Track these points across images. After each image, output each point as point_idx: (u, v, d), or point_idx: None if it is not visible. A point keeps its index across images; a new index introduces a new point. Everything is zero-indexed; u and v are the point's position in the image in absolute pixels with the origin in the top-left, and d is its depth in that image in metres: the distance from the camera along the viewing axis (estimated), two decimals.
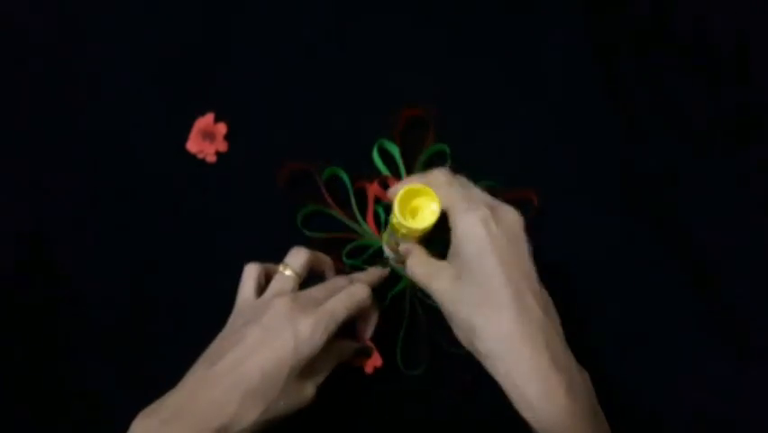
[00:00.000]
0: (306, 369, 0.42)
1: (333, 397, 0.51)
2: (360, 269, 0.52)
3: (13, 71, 0.60)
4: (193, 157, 0.56)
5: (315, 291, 0.45)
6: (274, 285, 0.45)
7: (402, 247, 0.45)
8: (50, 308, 0.54)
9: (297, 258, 0.46)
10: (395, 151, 0.54)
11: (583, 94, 0.58)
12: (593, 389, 0.39)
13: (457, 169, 0.54)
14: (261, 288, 0.46)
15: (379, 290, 0.52)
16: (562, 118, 0.57)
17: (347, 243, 0.53)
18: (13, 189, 0.57)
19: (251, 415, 0.40)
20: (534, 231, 0.52)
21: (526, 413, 0.38)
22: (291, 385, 0.41)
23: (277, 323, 0.41)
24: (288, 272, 0.45)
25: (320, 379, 0.44)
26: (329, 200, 0.53)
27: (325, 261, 0.48)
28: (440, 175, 0.43)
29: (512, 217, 0.41)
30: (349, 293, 0.44)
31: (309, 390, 0.43)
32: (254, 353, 0.40)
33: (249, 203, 0.55)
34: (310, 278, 0.47)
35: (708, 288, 0.53)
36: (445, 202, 0.41)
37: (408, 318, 0.51)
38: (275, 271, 0.46)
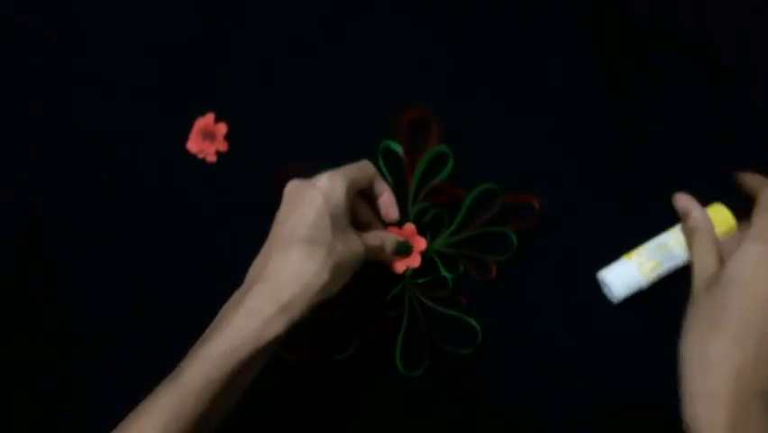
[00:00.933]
0: (347, 223, 0.45)
1: (333, 397, 0.51)
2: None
3: (13, 71, 0.61)
4: (193, 157, 0.57)
5: (328, 174, 0.47)
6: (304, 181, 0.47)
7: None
8: (50, 308, 0.54)
9: (334, 178, 0.47)
10: (399, 150, 0.55)
11: (583, 94, 0.58)
12: None
13: (458, 169, 0.54)
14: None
15: (379, 290, 0.52)
16: (562, 118, 0.57)
17: None
18: (13, 189, 0.57)
19: (312, 278, 0.42)
20: (536, 231, 0.52)
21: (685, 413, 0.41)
22: (339, 233, 0.44)
23: (298, 192, 0.45)
24: (321, 181, 0.46)
25: (367, 240, 0.47)
26: None
27: (364, 171, 0.50)
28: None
29: None
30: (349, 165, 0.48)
31: (358, 242, 0.46)
32: (292, 216, 0.44)
33: (249, 203, 0.55)
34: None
35: None
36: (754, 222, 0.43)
37: (408, 319, 0.51)
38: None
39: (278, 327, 0.40)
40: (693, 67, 0.58)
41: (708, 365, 0.40)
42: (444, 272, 0.52)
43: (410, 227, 0.52)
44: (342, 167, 0.48)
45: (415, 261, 0.52)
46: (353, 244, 0.45)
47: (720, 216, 0.51)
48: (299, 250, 0.42)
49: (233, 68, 0.59)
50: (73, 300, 0.54)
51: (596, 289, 0.53)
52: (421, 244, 0.52)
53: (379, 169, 0.54)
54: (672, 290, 0.52)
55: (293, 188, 0.46)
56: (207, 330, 0.42)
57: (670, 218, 0.53)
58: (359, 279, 0.52)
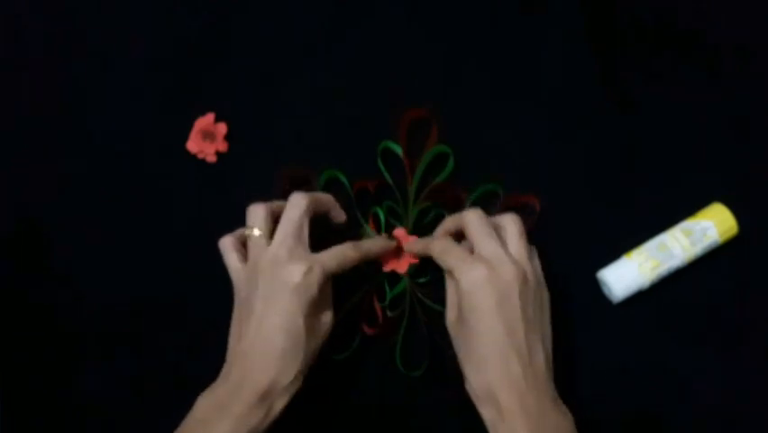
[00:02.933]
0: (320, 303, 0.45)
1: (332, 397, 0.51)
2: (361, 270, 0.52)
3: (13, 71, 0.60)
4: (193, 157, 0.56)
5: (280, 232, 0.46)
6: (251, 250, 0.47)
7: (445, 263, 0.46)
8: (49, 308, 0.54)
9: (255, 215, 0.47)
10: (398, 151, 0.55)
11: (583, 94, 0.58)
12: (572, 430, 0.42)
13: (459, 169, 0.54)
14: (244, 253, 0.48)
15: (378, 291, 0.52)
16: (562, 118, 0.57)
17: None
18: (13, 189, 0.57)
19: (292, 367, 0.43)
20: (536, 231, 0.52)
21: None
22: (312, 325, 0.44)
23: (271, 286, 0.44)
24: (255, 232, 0.47)
25: (331, 302, 0.47)
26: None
27: (321, 200, 0.49)
28: (473, 216, 0.46)
29: (508, 277, 0.43)
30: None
31: (328, 316, 0.46)
32: (266, 319, 0.43)
33: (249, 203, 0.55)
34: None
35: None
36: (454, 255, 0.45)
37: (408, 319, 0.51)
38: (245, 235, 0.48)
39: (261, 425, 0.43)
40: (693, 67, 0.58)
41: (492, 396, 0.42)
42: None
43: (400, 231, 0.53)
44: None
45: (415, 257, 0.52)
46: (324, 324, 0.46)
47: (720, 216, 0.51)
48: (275, 364, 0.43)
49: (233, 68, 0.59)
50: (73, 300, 0.54)
51: (596, 289, 0.53)
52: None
53: (378, 169, 0.54)
54: (672, 290, 0.52)
55: (267, 270, 0.44)
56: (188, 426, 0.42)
57: (670, 218, 0.53)
58: (359, 279, 0.52)
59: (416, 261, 0.52)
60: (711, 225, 0.51)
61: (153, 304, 0.54)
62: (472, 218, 0.46)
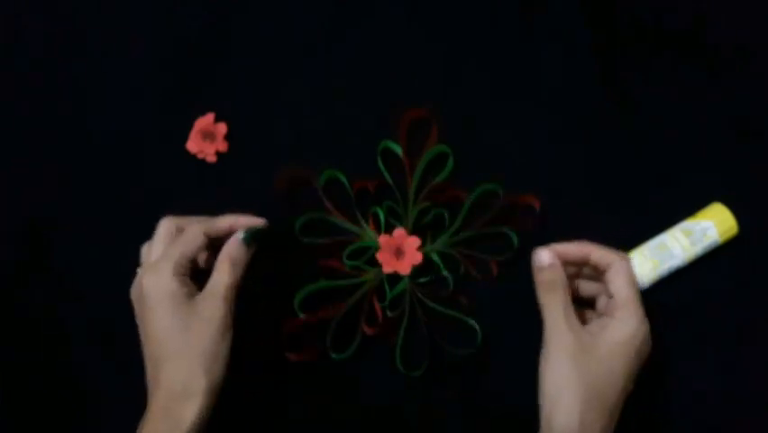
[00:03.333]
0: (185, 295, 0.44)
1: (332, 397, 0.51)
2: (361, 270, 0.52)
3: (13, 71, 0.60)
4: (193, 157, 0.56)
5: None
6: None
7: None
8: (49, 308, 0.54)
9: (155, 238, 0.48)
10: (398, 151, 0.54)
11: (583, 94, 0.58)
12: None
13: (459, 169, 0.54)
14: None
15: (378, 291, 0.52)
16: (562, 118, 0.57)
17: (348, 246, 0.53)
18: (13, 189, 0.57)
19: (182, 368, 0.43)
20: (537, 231, 0.52)
21: None
22: (187, 323, 0.43)
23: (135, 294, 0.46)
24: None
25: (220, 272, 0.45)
26: (327, 204, 0.53)
27: (187, 242, 0.46)
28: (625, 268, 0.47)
29: (647, 344, 0.45)
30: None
31: (211, 306, 0.44)
32: (143, 326, 0.45)
33: (249, 203, 0.55)
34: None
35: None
36: (626, 290, 0.46)
37: (408, 319, 0.51)
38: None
39: None
40: (693, 67, 0.58)
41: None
42: (445, 272, 0.52)
43: (400, 231, 0.52)
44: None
45: (417, 258, 0.52)
46: (206, 315, 0.44)
47: (720, 216, 0.51)
48: (163, 370, 0.43)
49: (232, 68, 0.59)
50: (73, 300, 0.54)
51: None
52: (415, 242, 0.52)
53: (378, 169, 0.54)
54: (672, 290, 0.52)
55: (171, 308, 0.44)
56: None
57: (670, 218, 0.53)
58: (358, 282, 0.52)
59: (418, 262, 0.52)
60: (711, 225, 0.51)
61: None
62: (628, 270, 0.47)
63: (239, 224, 0.48)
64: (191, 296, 0.44)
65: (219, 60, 0.59)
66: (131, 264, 0.55)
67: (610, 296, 0.46)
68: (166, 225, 0.47)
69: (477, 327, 0.51)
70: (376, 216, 0.53)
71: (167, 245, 0.46)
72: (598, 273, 0.48)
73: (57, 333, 0.54)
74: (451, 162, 0.54)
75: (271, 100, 0.58)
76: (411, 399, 0.51)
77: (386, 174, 0.54)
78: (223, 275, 0.45)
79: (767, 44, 0.59)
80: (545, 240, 0.50)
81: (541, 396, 0.44)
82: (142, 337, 0.45)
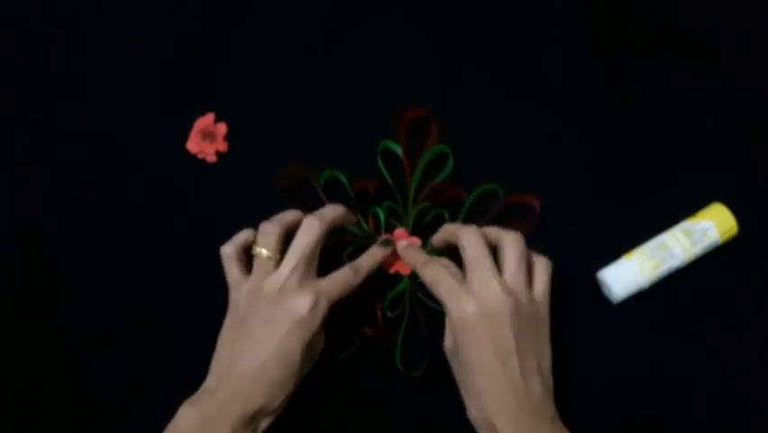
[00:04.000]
0: (318, 331, 0.45)
1: (332, 397, 0.51)
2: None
3: (14, 71, 0.60)
4: (193, 157, 0.56)
5: (291, 258, 0.45)
6: (257, 269, 0.46)
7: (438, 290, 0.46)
8: (50, 308, 0.54)
9: (267, 236, 0.46)
10: (398, 151, 0.54)
11: (583, 94, 0.58)
12: None
13: (459, 169, 0.54)
14: (246, 263, 0.47)
15: (379, 291, 0.52)
16: (562, 118, 0.57)
17: (348, 246, 0.53)
18: (14, 189, 0.57)
19: (280, 396, 0.44)
20: (536, 231, 0.52)
21: None
22: (307, 353, 0.45)
23: (275, 313, 0.44)
24: (264, 253, 0.46)
25: (323, 325, 0.46)
26: (327, 204, 0.53)
27: (335, 222, 0.48)
28: (470, 240, 0.45)
29: (499, 310, 0.42)
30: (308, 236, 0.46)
31: (321, 341, 0.46)
32: (265, 346, 0.43)
33: (249, 203, 0.55)
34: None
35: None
36: (444, 286, 0.44)
37: (408, 319, 0.51)
38: (251, 243, 0.47)
39: None
40: (693, 67, 0.58)
41: (490, 424, 0.42)
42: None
43: (401, 232, 0.52)
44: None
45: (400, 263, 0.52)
46: (317, 350, 0.46)
47: (720, 216, 0.51)
48: (265, 393, 0.43)
49: (232, 68, 0.59)
50: (73, 300, 0.54)
51: (596, 289, 0.53)
52: (416, 243, 0.52)
53: (378, 169, 0.54)
54: (672, 290, 0.52)
55: (272, 295, 0.44)
56: None
57: (670, 218, 0.53)
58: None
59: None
60: (711, 225, 0.51)
61: (153, 304, 0.54)
62: (469, 240, 0.45)
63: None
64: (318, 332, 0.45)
65: (219, 60, 0.59)
66: (131, 264, 0.55)
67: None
68: (318, 229, 0.46)
69: None
70: (376, 217, 0.53)
71: (308, 264, 0.45)
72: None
73: (56, 333, 0.54)
74: (451, 162, 0.54)
75: (271, 100, 0.58)
76: (411, 399, 0.51)
77: (386, 174, 0.54)
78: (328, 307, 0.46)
79: (767, 44, 0.59)
80: (545, 240, 0.50)
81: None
82: (244, 335, 0.44)
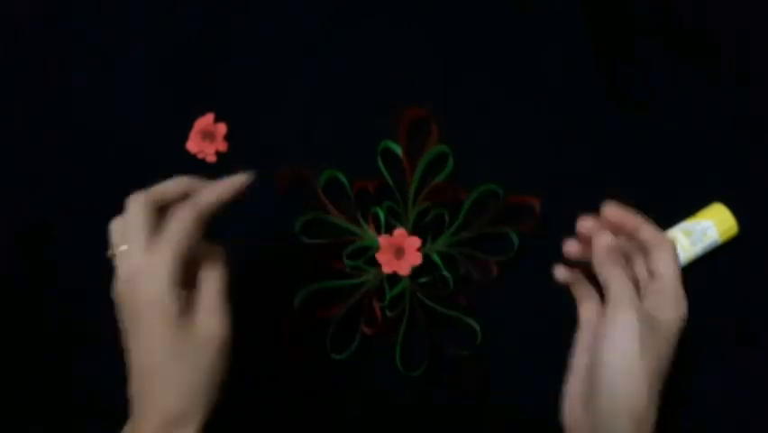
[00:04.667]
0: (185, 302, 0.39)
1: (332, 397, 0.51)
2: (361, 270, 0.52)
3: (13, 71, 0.60)
4: (193, 157, 0.56)
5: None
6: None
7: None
8: (50, 308, 0.54)
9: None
10: (398, 151, 0.54)
11: (583, 94, 0.58)
12: None
13: (459, 169, 0.54)
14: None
15: (378, 291, 0.52)
16: (561, 118, 0.57)
17: (348, 246, 0.53)
18: (14, 189, 0.57)
19: (180, 392, 0.38)
20: (537, 231, 0.52)
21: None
22: (185, 337, 0.38)
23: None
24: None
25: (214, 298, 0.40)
26: (327, 204, 0.53)
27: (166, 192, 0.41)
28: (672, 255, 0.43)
29: (668, 326, 0.41)
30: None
31: (212, 318, 0.40)
32: (131, 346, 0.40)
33: (249, 203, 0.55)
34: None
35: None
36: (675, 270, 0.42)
37: (408, 319, 0.51)
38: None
39: None
40: (693, 67, 0.58)
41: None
42: (445, 272, 0.51)
43: (401, 231, 0.52)
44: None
45: (417, 258, 0.51)
46: (208, 330, 0.39)
47: (720, 216, 0.51)
48: (161, 392, 0.38)
49: (232, 68, 0.59)
50: (73, 300, 0.54)
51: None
52: (416, 242, 0.52)
53: (378, 169, 0.54)
54: None
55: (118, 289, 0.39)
56: None
57: (670, 218, 0.53)
58: (358, 282, 0.52)
59: (418, 263, 0.52)
60: (711, 225, 0.51)
61: None
62: (672, 254, 0.43)
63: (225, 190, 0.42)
64: (188, 308, 0.39)
65: (219, 60, 0.59)
66: None
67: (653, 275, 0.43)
68: (141, 204, 0.40)
69: (477, 326, 0.51)
70: (376, 217, 0.53)
71: (151, 236, 0.39)
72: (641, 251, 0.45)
73: (57, 333, 0.54)
74: (451, 162, 0.54)
75: (271, 100, 0.58)
76: (411, 399, 0.51)
77: (386, 174, 0.54)
78: (217, 283, 0.40)
79: (767, 44, 0.59)
80: (545, 240, 0.50)
81: (598, 373, 0.41)
82: (132, 348, 0.39)
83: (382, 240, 0.52)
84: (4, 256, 0.56)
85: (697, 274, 0.52)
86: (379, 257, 0.51)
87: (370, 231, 0.53)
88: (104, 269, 0.55)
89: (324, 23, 0.60)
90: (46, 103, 0.59)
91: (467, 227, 0.53)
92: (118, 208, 0.56)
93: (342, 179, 0.54)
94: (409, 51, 0.59)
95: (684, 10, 0.59)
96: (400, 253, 0.52)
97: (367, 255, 0.52)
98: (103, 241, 0.56)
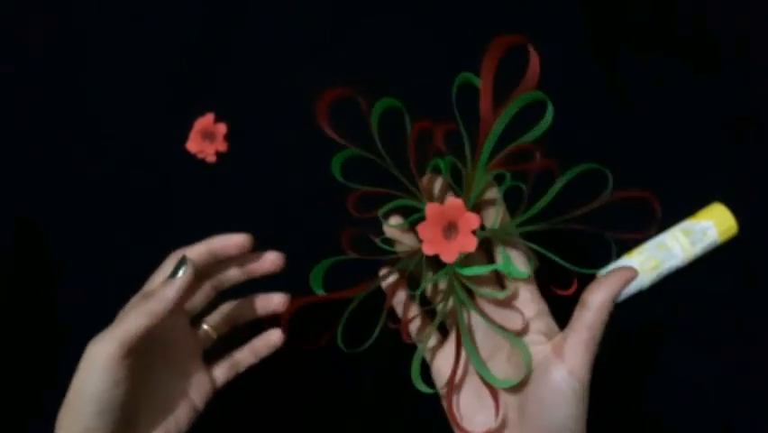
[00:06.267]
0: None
1: (331, 397, 0.51)
2: (392, 243, 0.39)
3: (14, 71, 0.60)
4: (193, 157, 0.56)
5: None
6: None
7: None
8: (51, 309, 0.54)
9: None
10: (478, 84, 0.42)
11: (583, 94, 0.58)
12: None
13: (458, 171, 0.54)
14: None
15: (411, 277, 0.45)
16: (562, 118, 0.57)
17: (389, 200, 0.38)
18: (14, 189, 0.57)
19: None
20: (537, 231, 0.52)
21: None
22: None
23: None
24: None
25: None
26: (378, 144, 0.40)
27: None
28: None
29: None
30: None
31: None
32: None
33: (249, 203, 0.55)
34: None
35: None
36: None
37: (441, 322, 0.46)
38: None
39: None
40: (693, 67, 0.58)
41: None
42: (504, 267, 0.37)
43: (455, 202, 0.37)
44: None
45: (470, 243, 0.36)
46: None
47: (720, 216, 0.51)
48: None
49: (233, 68, 0.59)
50: (73, 300, 0.54)
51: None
52: (473, 221, 0.36)
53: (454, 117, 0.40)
54: (672, 290, 0.52)
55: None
56: None
57: (670, 218, 0.53)
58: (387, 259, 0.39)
59: (470, 250, 0.36)
60: (711, 225, 0.51)
61: None
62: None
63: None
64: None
65: (219, 60, 0.59)
66: (130, 264, 0.55)
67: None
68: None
69: (528, 351, 0.36)
70: (435, 171, 0.39)
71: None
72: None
73: (57, 333, 0.54)
74: (550, 114, 0.40)
75: (271, 100, 0.58)
76: (411, 399, 0.51)
77: (459, 120, 0.39)
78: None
79: (767, 44, 0.59)
80: (546, 239, 0.50)
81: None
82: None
83: (430, 209, 0.37)
84: (4, 255, 0.56)
85: (697, 274, 0.52)
86: (422, 231, 0.36)
87: (422, 195, 0.38)
88: (104, 269, 0.55)
89: (325, 23, 0.60)
90: (46, 103, 0.59)
91: (551, 216, 0.39)
92: (118, 208, 0.56)
93: (404, 113, 0.41)
94: (409, 51, 0.59)
95: (684, 10, 0.60)
96: (452, 230, 0.37)
97: (412, 218, 0.38)
98: (103, 240, 0.56)
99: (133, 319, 0.37)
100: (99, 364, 0.37)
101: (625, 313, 0.52)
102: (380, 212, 0.38)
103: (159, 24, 0.61)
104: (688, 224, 0.52)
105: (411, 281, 0.39)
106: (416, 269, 0.38)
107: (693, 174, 0.55)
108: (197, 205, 0.56)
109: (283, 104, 0.58)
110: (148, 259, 0.55)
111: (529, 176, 0.39)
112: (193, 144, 0.56)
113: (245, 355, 0.43)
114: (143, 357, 0.38)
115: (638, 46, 0.59)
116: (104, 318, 0.54)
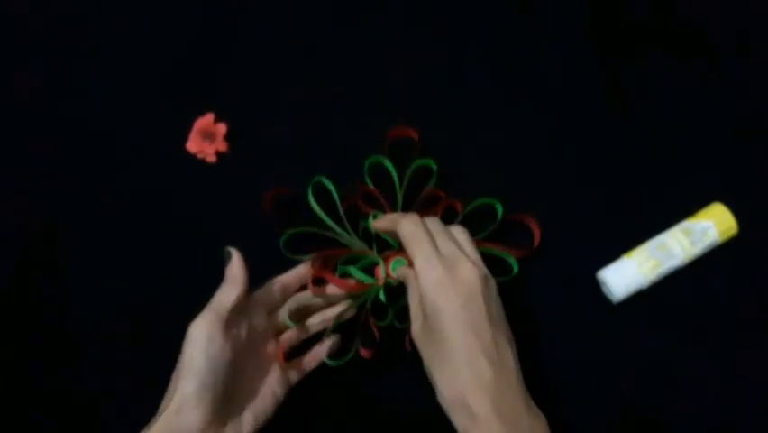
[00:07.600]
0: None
1: (331, 396, 0.51)
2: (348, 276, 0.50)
3: (14, 72, 0.61)
4: (193, 157, 0.57)
5: None
6: None
7: (399, 273, 0.46)
8: (51, 309, 0.54)
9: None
10: (389, 166, 0.53)
11: (583, 94, 0.58)
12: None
13: (458, 170, 0.54)
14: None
15: (376, 310, 0.52)
16: (562, 118, 0.57)
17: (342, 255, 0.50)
18: (14, 189, 0.57)
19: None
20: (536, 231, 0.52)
21: None
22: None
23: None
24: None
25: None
26: (320, 215, 0.51)
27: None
28: (407, 225, 0.44)
29: (469, 277, 0.41)
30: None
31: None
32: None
33: (248, 204, 0.55)
34: None
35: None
36: (410, 255, 0.43)
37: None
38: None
39: None
40: (693, 67, 0.58)
41: (464, 403, 0.40)
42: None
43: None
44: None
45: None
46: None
47: (720, 216, 0.51)
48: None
49: (233, 68, 0.59)
50: (73, 300, 0.54)
51: (596, 289, 0.53)
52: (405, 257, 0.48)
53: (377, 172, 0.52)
54: (672, 290, 0.52)
55: None
56: None
57: (670, 218, 0.53)
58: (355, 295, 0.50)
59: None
60: (711, 225, 0.51)
61: (153, 303, 0.54)
62: (427, 220, 0.45)
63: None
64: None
65: (219, 60, 0.59)
66: (131, 264, 0.55)
67: None
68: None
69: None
70: (366, 230, 0.51)
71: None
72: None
73: (58, 333, 0.54)
74: (435, 171, 0.52)
75: (271, 100, 0.58)
76: (411, 399, 0.51)
77: (369, 182, 0.52)
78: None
79: (767, 43, 0.59)
80: (545, 240, 0.50)
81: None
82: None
83: (385, 257, 0.50)
84: (4, 255, 0.56)
85: (697, 274, 0.52)
86: (379, 272, 0.49)
87: (359, 242, 0.51)
88: (104, 268, 0.55)
89: (324, 23, 0.60)
90: (46, 103, 0.59)
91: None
92: (118, 208, 0.56)
93: (330, 186, 0.52)
94: (409, 51, 0.59)
95: (684, 10, 0.60)
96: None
97: (361, 263, 0.50)
98: (103, 240, 0.56)
99: (221, 295, 0.45)
100: (205, 333, 0.43)
101: (625, 313, 0.52)
102: (340, 262, 0.50)
103: (159, 24, 0.61)
104: (688, 224, 0.52)
105: (377, 314, 0.49)
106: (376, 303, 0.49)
107: (693, 174, 0.55)
108: (197, 205, 0.56)
109: (283, 104, 0.58)
110: (148, 258, 0.55)
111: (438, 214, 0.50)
112: (193, 144, 0.56)
113: (309, 360, 0.49)
114: (236, 342, 0.44)
115: (639, 46, 0.59)
116: (104, 318, 0.54)
